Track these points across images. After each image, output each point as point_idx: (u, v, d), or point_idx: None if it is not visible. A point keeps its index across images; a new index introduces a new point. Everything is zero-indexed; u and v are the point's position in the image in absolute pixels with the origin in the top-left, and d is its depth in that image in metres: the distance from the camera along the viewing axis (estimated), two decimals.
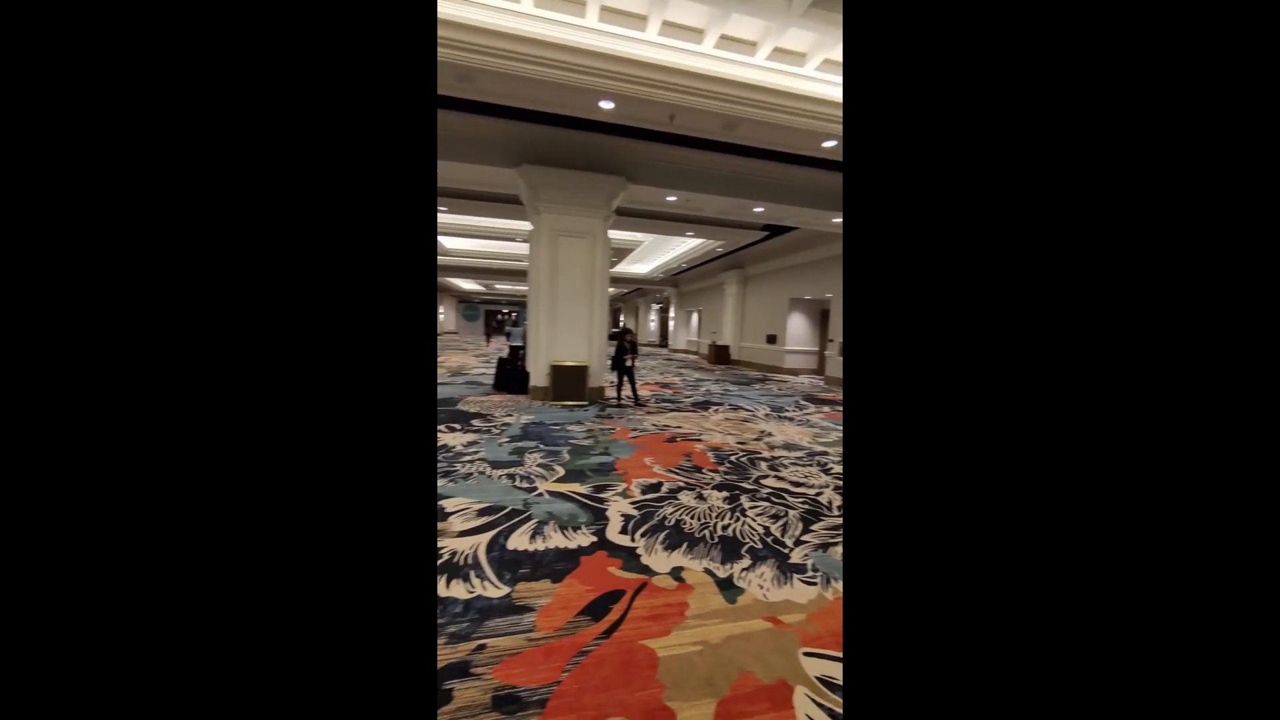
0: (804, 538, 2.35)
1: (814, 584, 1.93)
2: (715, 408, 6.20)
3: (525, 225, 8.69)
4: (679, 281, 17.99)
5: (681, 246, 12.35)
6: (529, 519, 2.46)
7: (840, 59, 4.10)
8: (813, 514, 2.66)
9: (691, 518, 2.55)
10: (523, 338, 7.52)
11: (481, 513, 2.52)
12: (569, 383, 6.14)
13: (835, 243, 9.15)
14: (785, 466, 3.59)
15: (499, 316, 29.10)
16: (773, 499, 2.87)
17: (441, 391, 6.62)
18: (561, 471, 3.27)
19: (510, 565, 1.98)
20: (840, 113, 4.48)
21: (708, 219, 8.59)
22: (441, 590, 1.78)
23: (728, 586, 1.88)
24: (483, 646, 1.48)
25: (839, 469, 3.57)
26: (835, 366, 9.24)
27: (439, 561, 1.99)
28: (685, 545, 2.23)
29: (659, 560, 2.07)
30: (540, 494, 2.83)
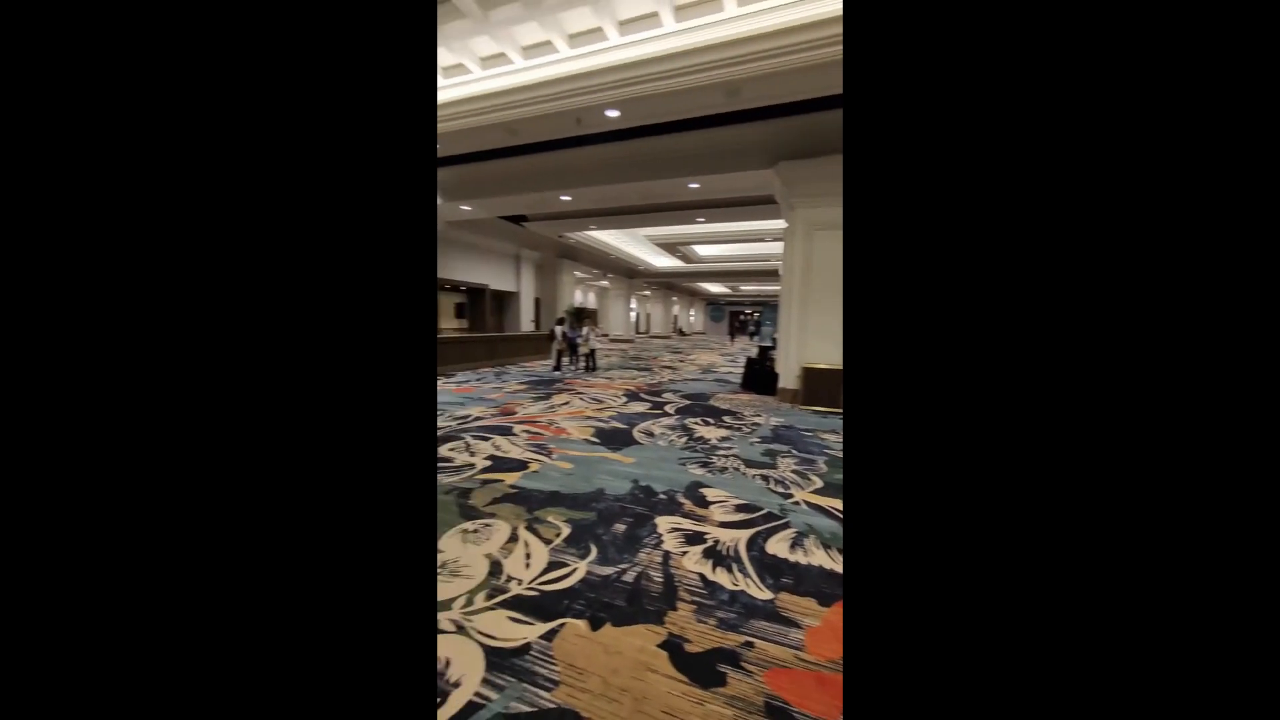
0: None
1: None
2: None
3: (774, 225, 8.59)
4: None
5: None
6: (787, 526, 2.39)
7: None
8: None
9: None
10: (771, 338, 7.42)
11: (739, 508, 2.59)
12: (822, 387, 5.71)
13: None
14: None
15: (741, 317, 29.86)
16: None
17: (693, 387, 7.21)
18: (819, 483, 3.05)
19: (771, 570, 1.96)
20: None
21: None
22: (709, 574, 1.91)
23: None
24: (750, 644, 1.51)
25: None
26: None
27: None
28: None
29: None
30: (797, 502, 2.71)
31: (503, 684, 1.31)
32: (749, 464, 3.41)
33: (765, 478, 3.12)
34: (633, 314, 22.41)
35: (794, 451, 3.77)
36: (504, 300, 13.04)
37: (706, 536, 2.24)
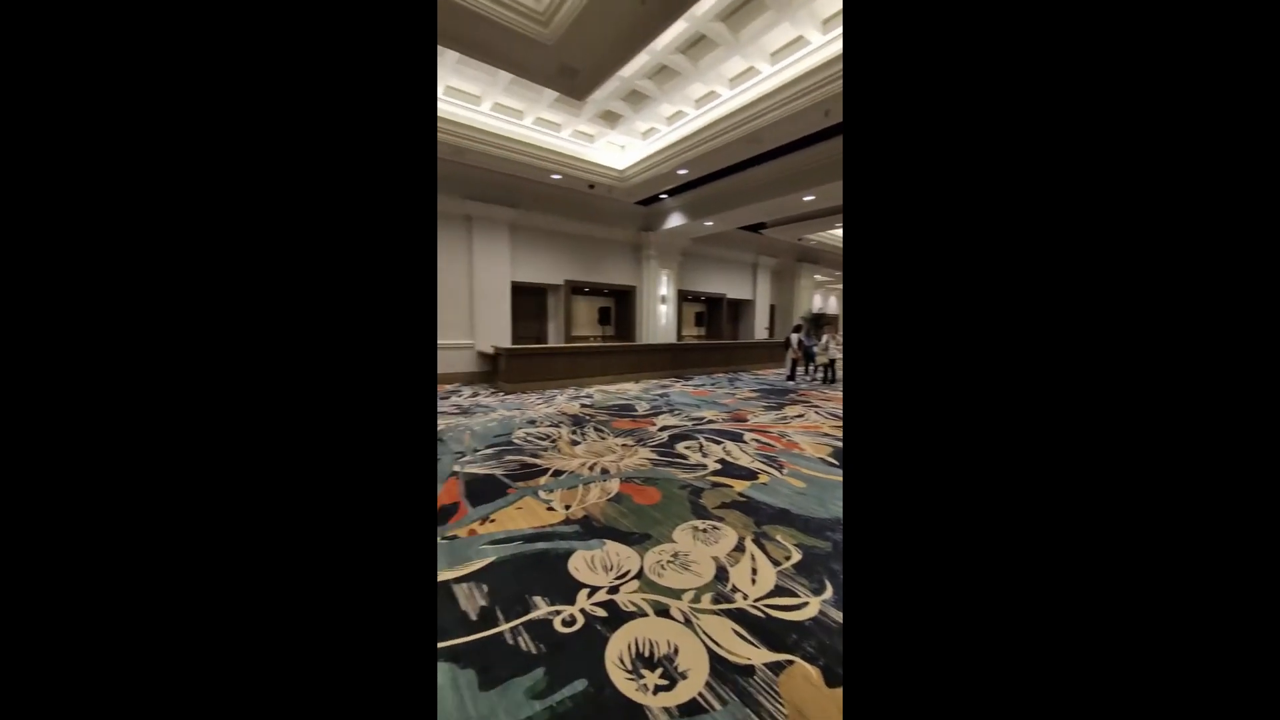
0: None
1: None
2: None
3: None
4: None
5: None
6: None
7: None
8: None
9: None
10: None
11: None
12: None
13: None
14: None
15: None
16: None
17: None
18: None
19: None
20: None
21: None
22: None
23: None
24: None
25: None
26: None
27: None
28: None
29: None
30: None
31: (725, 698, 1.30)
32: None
33: None
34: None
35: None
36: (739, 308, 13.32)
37: None
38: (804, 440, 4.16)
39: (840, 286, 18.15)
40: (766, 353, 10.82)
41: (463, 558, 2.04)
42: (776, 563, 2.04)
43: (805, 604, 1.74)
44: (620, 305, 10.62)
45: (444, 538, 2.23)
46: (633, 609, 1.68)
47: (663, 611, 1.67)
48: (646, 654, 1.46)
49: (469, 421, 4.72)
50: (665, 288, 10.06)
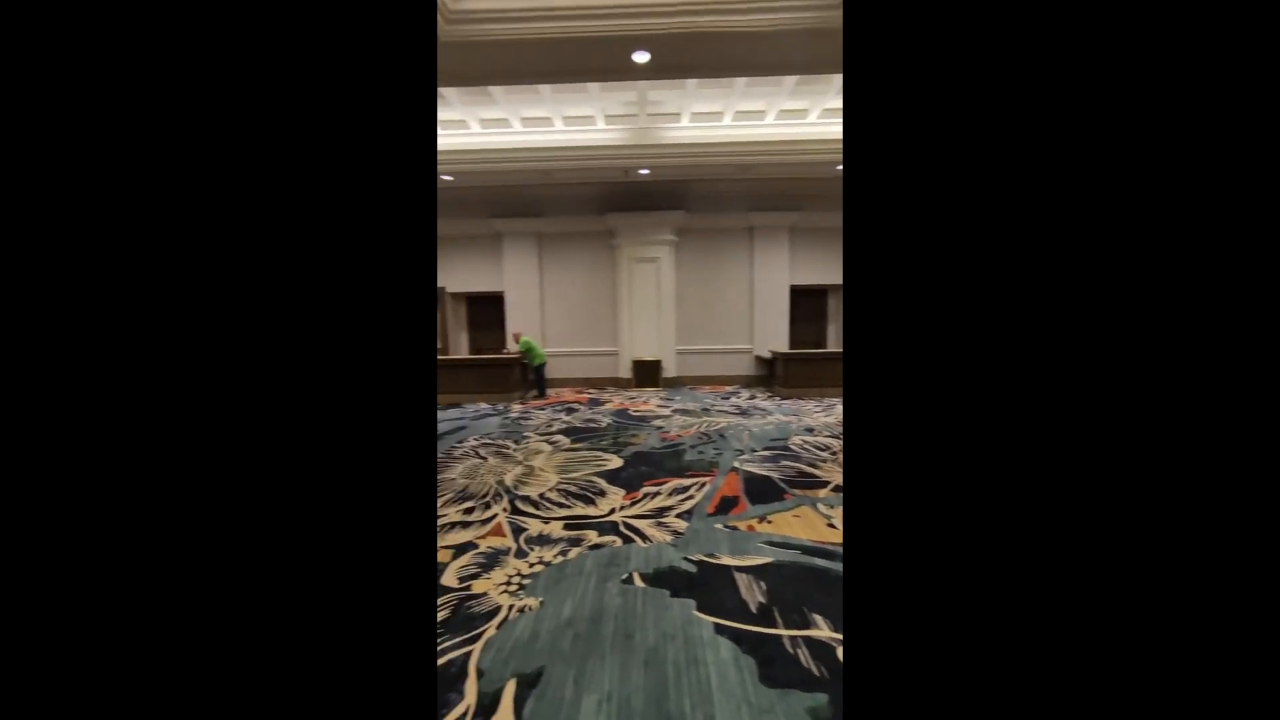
0: None
1: None
2: None
3: None
4: None
5: None
6: None
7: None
8: None
9: None
10: None
11: None
12: None
13: None
14: None
15: None
16: None
17: None
18: None
19: None
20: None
21: None
22: None
23: None
24: None
25: None
26: None
27: None
28: None
29: None
30: None
31: None
32: None
33: None
34: None
35: None
36: None
37: None
38: None
39: None
40: None
41: (743, 550, 2.17)
42: None
43: None
44: None
45: (726, 526, 2.43)
46: None
47: None
48: None
49: (747, 422, 4.95)
50: None
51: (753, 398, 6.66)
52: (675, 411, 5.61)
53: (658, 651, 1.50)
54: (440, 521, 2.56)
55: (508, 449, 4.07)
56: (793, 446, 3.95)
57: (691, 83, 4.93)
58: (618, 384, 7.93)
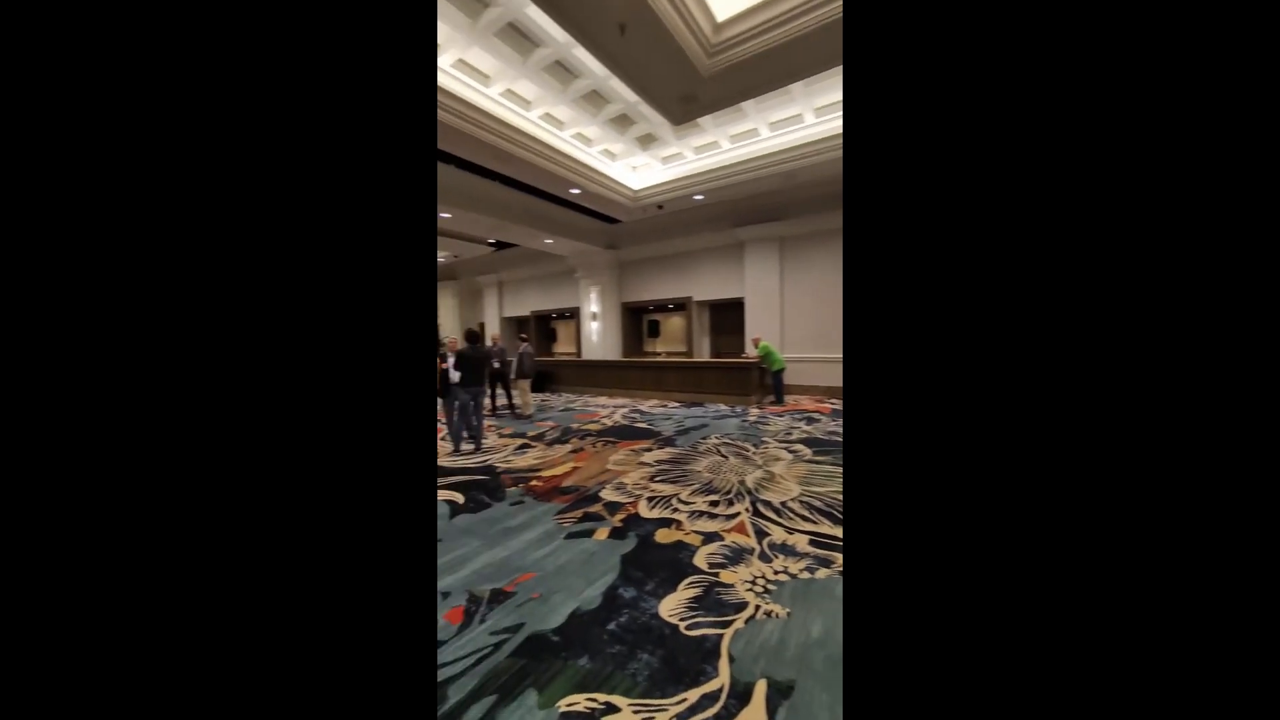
0: None
1: None
2: None
3: None
4: None
5: None
6: None
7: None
8: None
9: None
10: None
11: None
12: None
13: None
14: None
15: None
16: None
17: None
18: None
19: None
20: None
21: None
22: None
23: None
24: None
25: None
26: None
27: None
28: None
29: None
30: None
31: None
32: None
33: None
34: None
35: None
36: None
37: None
38: None
39: None
40: None
41: None
42: None
43: None
44: None
45: None
46: None
47: None
48: None
49: None
50: None
51: None
52: None
53: None
54: (690, 508, 2.82)
55: (747, 451, 4.15)
56: None
57: None
58: None
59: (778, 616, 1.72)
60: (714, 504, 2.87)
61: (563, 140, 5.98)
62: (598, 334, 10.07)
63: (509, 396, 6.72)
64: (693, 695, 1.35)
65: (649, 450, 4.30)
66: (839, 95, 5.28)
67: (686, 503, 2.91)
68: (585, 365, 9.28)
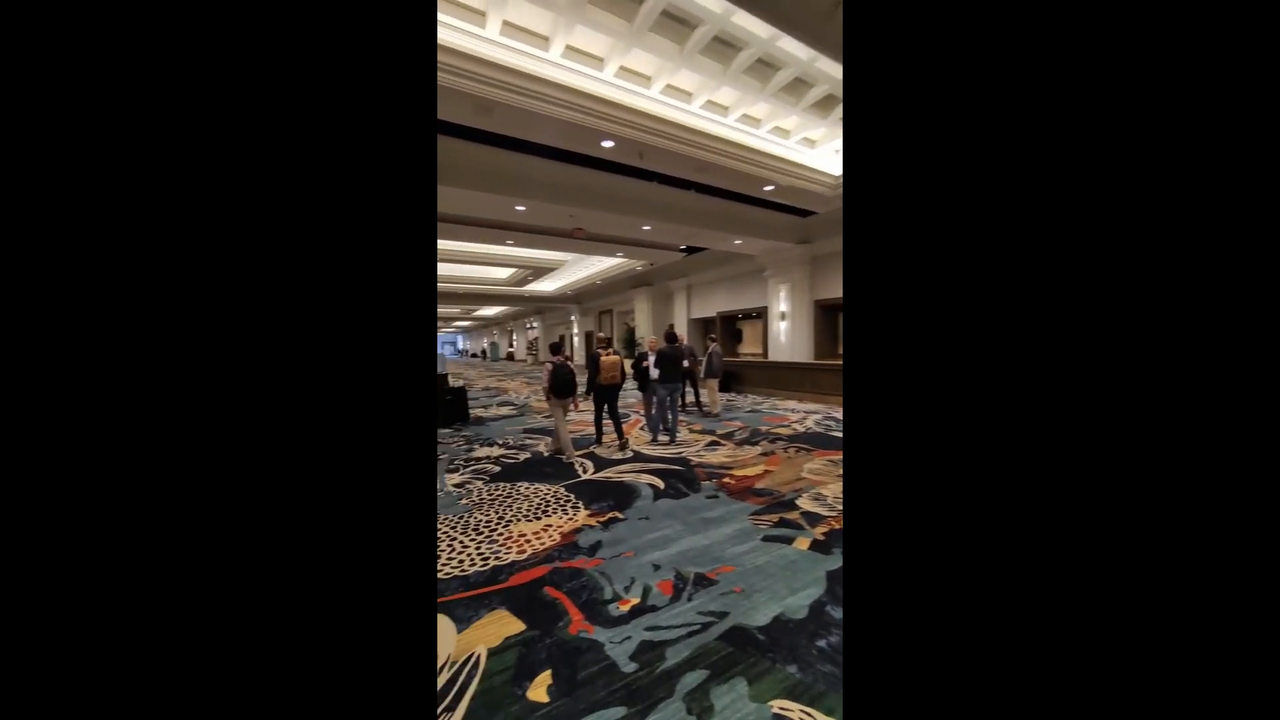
0: None
1: None
2: None
3: None
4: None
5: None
6: None
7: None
8: None
9: None
10: None
11: None
12: None
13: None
14: None
15: None
16: None
17: None
18: None
19: None
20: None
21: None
22: None
23: None
24: None
25: None
26: None
27: None
28: None
29: None
30: None
31: None
32: None
33: None
34: None
35: None
36: None
37: None
38: None
39: None
40: None
41: None
42: None
43: None
44: None
45: None
46: None
47: None
48: None
49: None
50: None
51: None
52: None
53: None
54: None
55: None
56: None
57: None
58: None
59: None
60: None
61: (758, 138, 5.85)
62: (785, 334, 9.60)
63: (696, 394, 7.01)
64: None
65: None
66: None
67: None
68: (772, 366, 8.97)
